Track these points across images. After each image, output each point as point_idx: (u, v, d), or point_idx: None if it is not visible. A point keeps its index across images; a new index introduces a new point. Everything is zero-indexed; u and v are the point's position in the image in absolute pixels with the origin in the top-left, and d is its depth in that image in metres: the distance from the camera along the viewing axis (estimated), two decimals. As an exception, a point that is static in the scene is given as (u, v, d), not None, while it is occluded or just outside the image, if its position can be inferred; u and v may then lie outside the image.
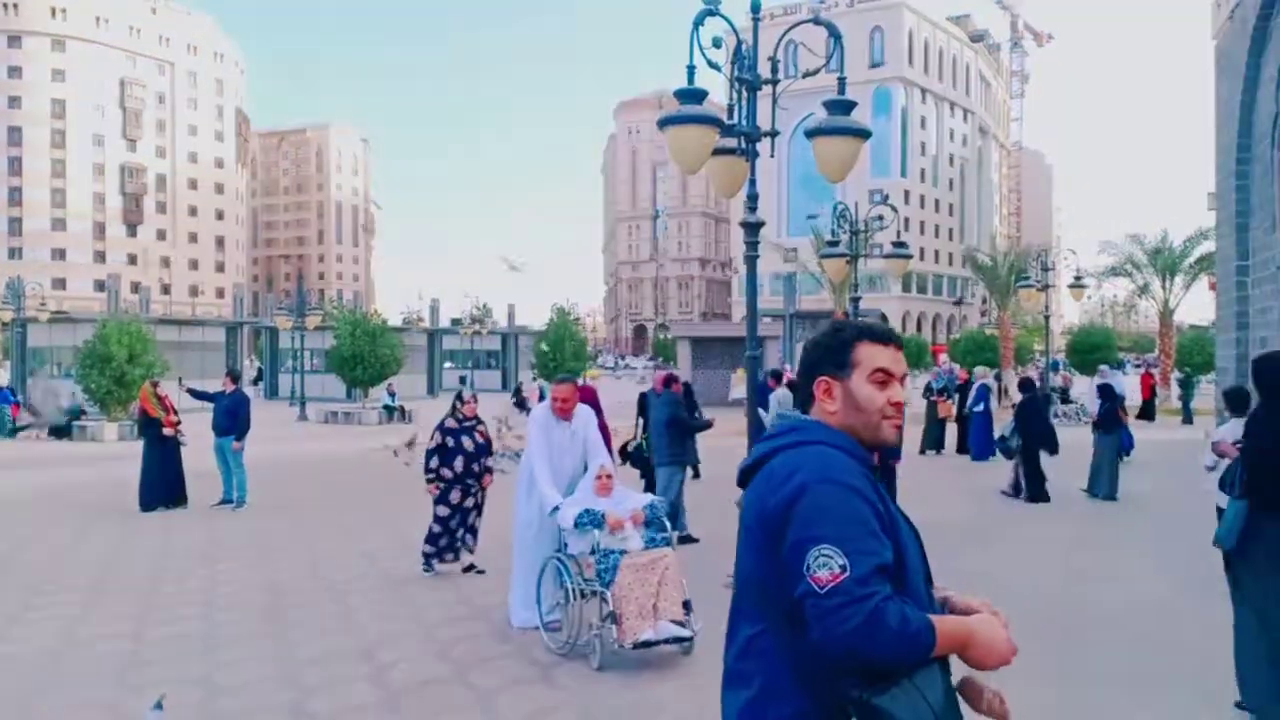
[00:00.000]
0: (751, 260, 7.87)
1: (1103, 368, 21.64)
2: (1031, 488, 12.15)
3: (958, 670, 1.79)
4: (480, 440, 8.19)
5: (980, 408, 16.44)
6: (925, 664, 1.69)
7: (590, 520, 5.77)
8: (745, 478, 1.96)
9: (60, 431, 23.40)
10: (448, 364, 48.09)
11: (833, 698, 1.70)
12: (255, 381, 42.72)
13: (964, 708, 1.78)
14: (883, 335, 1.97)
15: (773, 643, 1.81)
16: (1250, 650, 4.63)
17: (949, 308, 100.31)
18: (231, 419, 12.00)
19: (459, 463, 7.99)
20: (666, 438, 9.50)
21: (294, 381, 33.54)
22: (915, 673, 1.67)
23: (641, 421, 11.04)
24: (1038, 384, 15.41)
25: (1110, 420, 12.44)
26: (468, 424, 8.17)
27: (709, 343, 33.93)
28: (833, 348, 1.97)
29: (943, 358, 36.37)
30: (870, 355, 1.93)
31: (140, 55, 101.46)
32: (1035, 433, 12.16)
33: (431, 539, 8.10)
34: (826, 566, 1.66)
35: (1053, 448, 12.44)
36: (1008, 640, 1.78)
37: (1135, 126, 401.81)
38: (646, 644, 5.45)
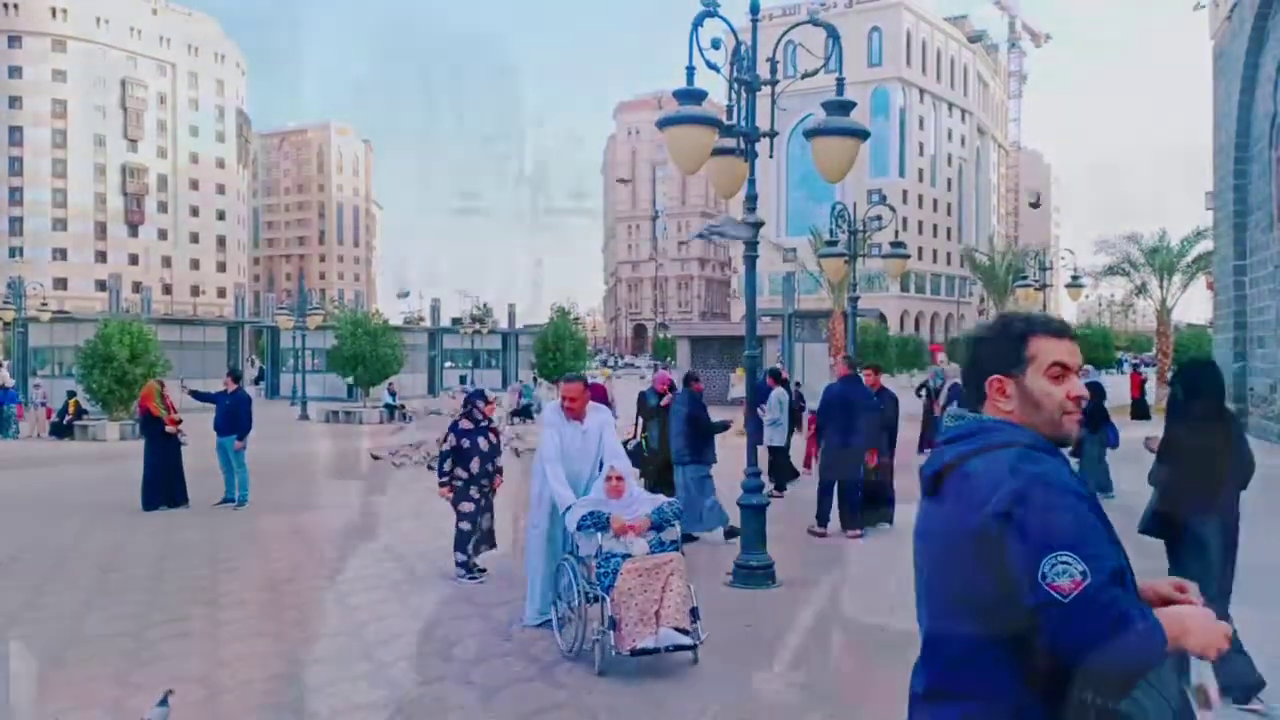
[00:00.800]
0: (750, 260, 7.90)
1: (1086, 367, 21.66)
2: None
3: None
4: (493, 441, 8.07)
5: (954, 407, 16.52)
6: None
7: (594, 522, 5.66)
8: (934, 484, 1.87)
9: (61, 431, 23.46)
10: (448, 363, 48.13)
11: (1069, 705, 1.66)
12: (256, 381, 42.77)
13: None
14: (1057, 327, 1.89)
15: (995, 654, 1.72)
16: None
17: (947, 307, 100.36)
18: (233, 419, 12.03)
19: (475, 464, 7.81)
20: (685, 436, 9.53)
21: (295, 381, 33.58)
22: (1150, 672, 1.66)
23: (641, 421, 11.07)
24: None
25: (1096, 417, 12.51)
26: (483, 424, 8.04)
27: (708, 342, 33.94)
28: (1004, 344, 1.89)
29: (940, 356, 36.44)
30: (1045, 349, 1.85)
31: (141, 56, 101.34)
32: None
33: (460, 543, 7.78)
34: (1067, 574, 1.60)
35: None
36: (1220, 626, 1.70)
37: (1133, 126, 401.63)
38: (645, 651, 5.30)
